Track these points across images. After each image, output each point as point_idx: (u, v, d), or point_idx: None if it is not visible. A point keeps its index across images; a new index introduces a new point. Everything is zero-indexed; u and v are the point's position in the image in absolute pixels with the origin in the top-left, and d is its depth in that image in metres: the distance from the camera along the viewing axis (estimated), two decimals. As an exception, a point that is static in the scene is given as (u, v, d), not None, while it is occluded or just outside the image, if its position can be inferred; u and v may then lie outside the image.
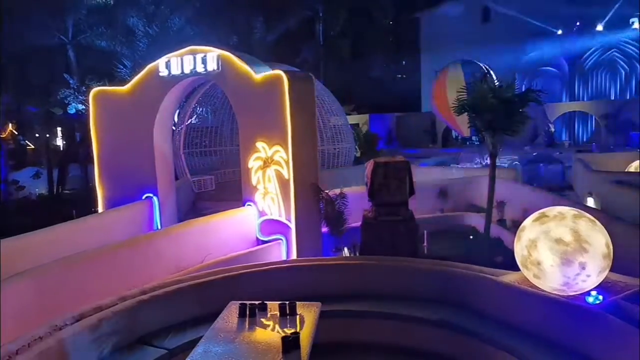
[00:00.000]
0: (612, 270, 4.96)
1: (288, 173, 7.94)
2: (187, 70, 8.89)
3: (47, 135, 19.88)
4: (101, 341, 4.63)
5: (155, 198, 9.43)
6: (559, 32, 30.32)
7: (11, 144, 23.11)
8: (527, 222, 5.28)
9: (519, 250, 5.24)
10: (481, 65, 14.91)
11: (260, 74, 8.17)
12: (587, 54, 30.35)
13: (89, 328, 4.57)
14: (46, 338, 4.36)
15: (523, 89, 7.61)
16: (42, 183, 18.49)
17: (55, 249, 6.49)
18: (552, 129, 27.24)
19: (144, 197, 9.44)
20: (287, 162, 7.94)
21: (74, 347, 4.37)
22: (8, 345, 4.18)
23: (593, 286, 4.83)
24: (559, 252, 4.84)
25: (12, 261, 5.96)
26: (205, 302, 5.46)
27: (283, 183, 8.02)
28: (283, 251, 8.07)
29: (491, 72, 8.00)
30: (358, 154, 19.22)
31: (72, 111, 16.79)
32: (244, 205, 8.48)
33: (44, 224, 7.75)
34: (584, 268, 4.75)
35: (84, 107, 16.14)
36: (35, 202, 17.60)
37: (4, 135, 20.65)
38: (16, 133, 22.09)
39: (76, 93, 16.45)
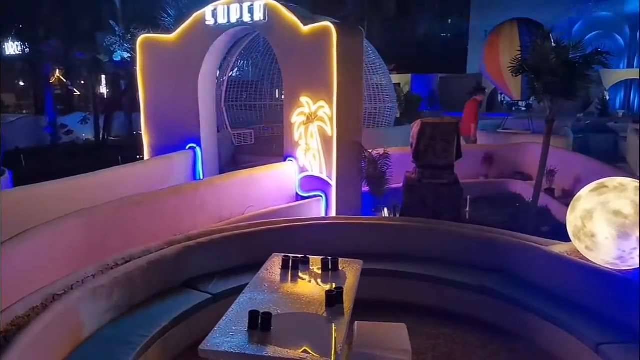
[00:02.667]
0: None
1: (331, 130, 7.82)
2: (233, 20, 8.73)
3: (94, 82, 20.24)
4: (150, 282, 4.81)
5: (198, 148, 9.55)
6: (629, -8, 28.11)
7: (59, 89, 23.77)
8: (584, 192, 5.04)
9: (572, 220, 5.04)
10: (539, 24, 13.99)
11: (308, 26, 7.93)
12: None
13: (138, 269, 4.74)
14: (98, 276, 4.56)
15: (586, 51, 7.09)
16: (89, 129, 19.00)
17: (104, 192, 6.68)
18: (607, 97, 25.74)
19: (187, 147, 9.56)
20: (330, 119, 7.80)
21: (124, 286, 4.56)
22: (63, 280, 4.40)
23: (649, 262, 4.62)
24: (616, 224, 4.62)
25: (63, 202, 6.20)
26: (247, 252, 5.57)
27: (326, 140, 7.92)
28: (322, 208, 8.07)
29: (552, 31, 7.44)
30: (398, 115, 18.79)
31: (118, 58, 16.97)
32: (284, 161, 8.46)
33: (92, 169, 7.97)
34: (642, 243, 4.53)
35: (129, 54, 16.29)
36: (82, 147, 18.19)
37: (52, 81, 21.20)
38: (63, 79, 22.63)
39: (121, 40, 16.55)
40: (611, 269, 4.69)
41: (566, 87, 6.48)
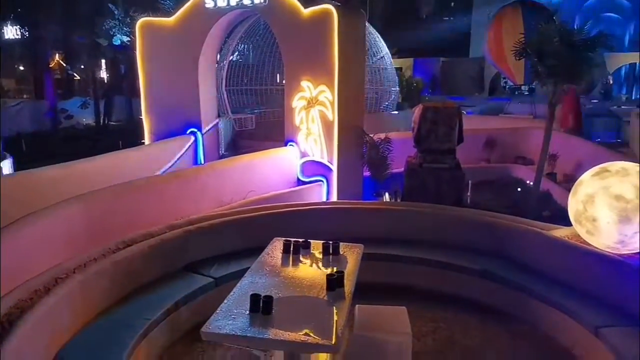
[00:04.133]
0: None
1: (332, 114, 7.78)
2: (233, 2, 8.63)
3: (94, 67, 20.14)
4: (151, 266, 4.83)
5: (199, 133, 9.51)
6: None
7: (59, 73, 23.65)
8: (586, 176, 5.02)
9: (574, 204, 5.03)
10: (543, 7, 13.81)
11: (308, 9, 7.82)
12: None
13: (140, 253, 4.76)
14: (100, 260, 4.57)
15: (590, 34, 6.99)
16: (89, 113, 18.96)
17: (105, 177, 6.69)
18: (610, 81, 25.52)
19: (188, 132, 9.53)
20: (332, 103, 7.75)
21: (126, 269, 4.58)
22: (65, 264, 4.42)
23: (651, 246, 4.62)
24: (618, 209, 4.61)
25: (64, 186, 6.20)
26: (249, 236, 5.58)
27: (327, 124, 7.88)
28: (324, 193, 8.07)
29: (556, 14, 7.35)
30: (400, 100, 18.67)
31: (117, 42, 16.82)
32: (285, 145, 8.43)
33: (92, 153, 7.97)
34: (643, 227, 4.52)
35: (128, 38, 16.14)
36: (82, 132, 18.17)
37: (52, 65, 21.08)
38: (63, 63, 22.50)
39: (121, 24, 16.38)
40: (612, 253, 4.70)
41: (570, 71, 6.41)
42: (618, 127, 15.97)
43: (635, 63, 27.97)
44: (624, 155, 9.48)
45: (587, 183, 4.94)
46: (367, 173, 8.28)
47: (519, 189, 9.43)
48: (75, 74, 25.32)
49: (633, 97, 27.40)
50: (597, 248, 4.80)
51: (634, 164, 4.90)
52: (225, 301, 3.52)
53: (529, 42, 6.92)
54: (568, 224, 5.19)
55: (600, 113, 16.88)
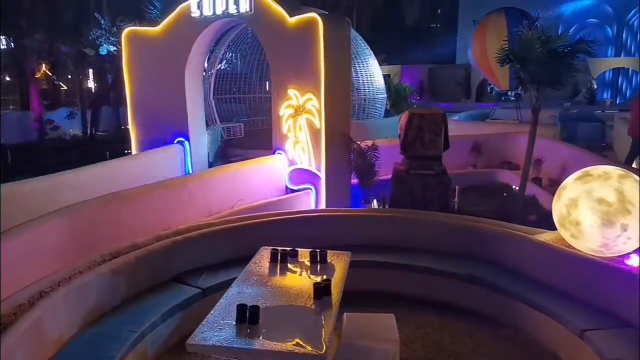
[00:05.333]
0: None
1: (320, 122, 7.80)
2: (219, 11, 8.65)
3: (80, 76, 20.03)
4: (138, 277, 4.79)
5: (186, 142, 9.49)
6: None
7: (45, 84, 23.46)
8: (569, 180, 5.10)
9: (558, 208, 5.10)
10: (527, 13, 14.02)
11: (294, 17, 7.88)
12: (637, 7, 28.33)
13: (126, 265, 4.72)
14: (85, 272, 4.53)
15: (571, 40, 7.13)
16: (76, 124, 18.82)
17: (92, 188, 6.63)
18: (595, 86, 25.95)
19: (175, 141, 9.50)
20: (319, 111, 7.78)
21: (112, 282, 4.54)
22: (50, 277, 4.37)
23: (633, 249, 4.69)
24: (600, 212, 4.68)
25: (48, 199, 6.14)
26: (236, 246, 5.57)
27: (314, 132, 7.91)
28: (312, 200, 8.08)
29: (537, 21, 7.49)
30: (388, 106, 18.77)
31: (104, 52, 16.76)
32: (273, 154, 8.44)
33: (79, 164, 7.90)
34: (625, 230, 4.60)
35: (115, 48, 16.09)
36: (69, 142, 18.02)
37: (38, 75, 20.91)
38: (50, 73, 22.34)
39: (107, 34, 16.34)
40: (596, 256, 4.76)
41: (552, 77, 6.52)
42: (602, 131, 16.23)
43: (618, 68, 28.52)
44: (608, 158, 9.64)
45: (570, 187, 5.01)
46: (355, 180, 8.31)
47: (504, 194, 9.53)
48: (62, 84, 25.15)
49: (617, 102, 27.86)
50: (581, 251, 4.87)
51: (614, 167, 4.99)
52: (211, 312, 3.51)
53: (511, 48, 7.04)
54: (553, 228, 5.25)
55: (585, 117, 17.13)
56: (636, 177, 4.84)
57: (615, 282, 4.47)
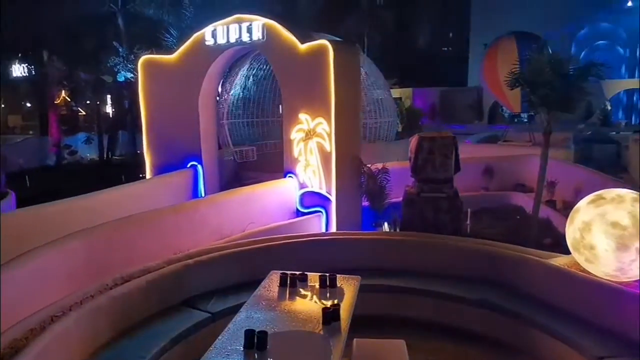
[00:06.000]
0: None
1: (330, 146, 7.87)
2: (232, 39, 8.87)
3: (98, 102, 20.56)
4: (149, 301, 4.82)
5: (199, 166, 9.62)
6: (629, 3, 28.40)
7: (64, 110, 24.10)
8: (582, 203, 5.03)
9: (571, 232, 5.02)
10: (537, 37, 14.11)
11: (305, 44, 8.04)
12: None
13: (137, 289, 4.75)
14: (97, 296, 4.57)
15: (582, 63, 7.15)
16: (93, 148, 19.24)
17: (106, 212, 6.74)
18: (609, 107, 25.74)
19: (188, 165, 9.64)
20: (329, 135, 7.86)
21: (123, 306, 4.57)
22: (61, 302, 4.42)
23: (649, 273, 4.59)
24: (614, 236, 4.60)
25: (65, 222, 6.25)
26: (247, 269, 5.57)
27: (325, 156, 7.97)
28: (323, 224, 8.08)
29: (547, 45, 7.57)
30: (400, 129, 18.84)
31: (122, 79, 17.23)
32: (285, 177, 8.51)
33: (95, 188, 8.04)
34: (641, 254, 4.50)
35: (132, 75, 16.54)
36: (86, 167, 18.38)
37: (57, 102, 21.50)
38: (69, 100, 22.96)
39: (125, 61, 16.83)
40: (612, 281, 4.66)
41: (562, 100, 6.51)
42: (618, 152, 16.03)
43: (633, 89, 28.32)
44: (623, 181, 9.49)
45: (583, 211, 4.94)
46: (366, 203, 8.30)
47: (517, 217, 9.41)
48: (80, 110, 25.79)
49: (632, 123, 27.57)
50: (596, 276, 4.77)
51: (629, 190, 4.92)
52: (219, 337, 3.50)
53: (522, 72, 7.06)
54: (568, 251, 5.16)
55: (600, 139, 16.96)
56: (650, 200, 4.76)
57: (631, 308, 4.35)
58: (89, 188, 8.05)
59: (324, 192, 8.05)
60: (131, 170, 13.62)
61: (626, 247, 4.54)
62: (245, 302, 4.25)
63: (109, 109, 24.64)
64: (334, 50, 7.66)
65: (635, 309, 4.32)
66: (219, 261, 5.58)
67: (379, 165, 8.19)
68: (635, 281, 4.60)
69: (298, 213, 8.36)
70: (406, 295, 5.56)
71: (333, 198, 7.94)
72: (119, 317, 4.51)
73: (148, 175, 10.10)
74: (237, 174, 12.40)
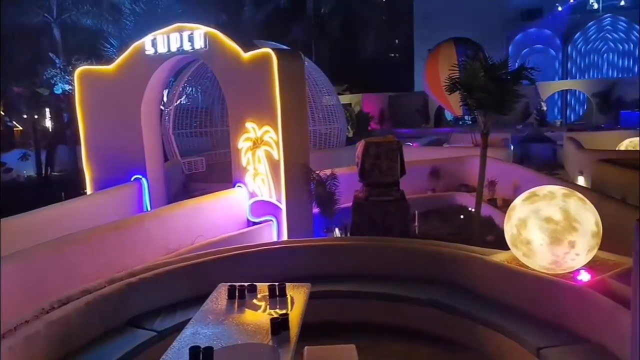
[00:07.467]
0: (601, 248, 4.98)
1: (278, 154, 7.85)
2: (173, 49, 8.69)
3: (35, 117, 19.53)
4: (89, 324, 4.59)
5: (144, 179, 9.32)
6: (559, 8, 30.22)
7: (-3, 126, 22.76)
8: (518, 201, 5.28)
9: (509, 229, 5.25)
10: (475, 42, 14.75)
11: (248, 53, 8.00)
12: (581, 32, 30.27)
13: (76, 311, 4.52)
14: (33, 321, 4.30)
15: (516, 67, 7.52)
16: (30, 165, 18.24)
17: (43, 231, 6.40)
18: (544, 108, 27.23)
19: (132, 179, 9.32)
20: (277, 143, 7.84)
21: (61, 331, 4.33)
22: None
23: (582, 264, 4.86)
24: (548, 230, 4.85)
25: (2, 243, 5.87)
26: (195, 284, 5.43)
27: (273, 164, 7.94)
28: (274, 232, 8.03)
29: (483, 50, 7.93)
30: (350, 135, 19.12)
31: (59, 91, 16.47)
32: (234, 187, 8.40)
33: (32, 207, 7.63)
34: (573, 247, 4.76)
35: (70, 87, 15.84)
36: (23, 184, 17.39)
37: (-11, 117, 20.31)
38: (2, 114, 21.70)
39: (62, 73, 16.11)
40: (548, 273, 4.89)
41: (497, 102, 6.82)
42: (554, 150, 16.95)
43: (567, 90, 30.14)
44: (560, 177, 10.04)
45: (519, 208, 5.18)
46: (317, 210, 8.33)
47: (462, 216, 9.74)
48: (16, 125, 24.43)
49: (567, 122, 29.29)
50: (534, 270, 5.00)
51: (559, 186, 5.21)
52: (162, 357, 3.39)
53: (457, 77, 7.35)
54: (509, 248, 5.38)
55: (537, 138, 17.87)
56: (580, 195, 5.07)
57: (567, 299, 4.59)
58: (26, 207, 7.62)
59: (274, 200, 8.01)
60: (73, 187, 13.01)
61: (559, 241, 4.79)
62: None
63: (47, 123, 23.46)
64: (278, 58, 7.67)
65: (570, 300, 4.55)
66: (165, 277, 5.41)
67: (328, 172, 8.24)
68: (570, 272, 4.86)
69: (249, 223, 8.27)
70: (357, 299, 5.61)
71: (283, 206, 7.91)
72: (57, 343, 4.26)
73: (89, 190, 9.68)
74: (185, 186, 12.13)
